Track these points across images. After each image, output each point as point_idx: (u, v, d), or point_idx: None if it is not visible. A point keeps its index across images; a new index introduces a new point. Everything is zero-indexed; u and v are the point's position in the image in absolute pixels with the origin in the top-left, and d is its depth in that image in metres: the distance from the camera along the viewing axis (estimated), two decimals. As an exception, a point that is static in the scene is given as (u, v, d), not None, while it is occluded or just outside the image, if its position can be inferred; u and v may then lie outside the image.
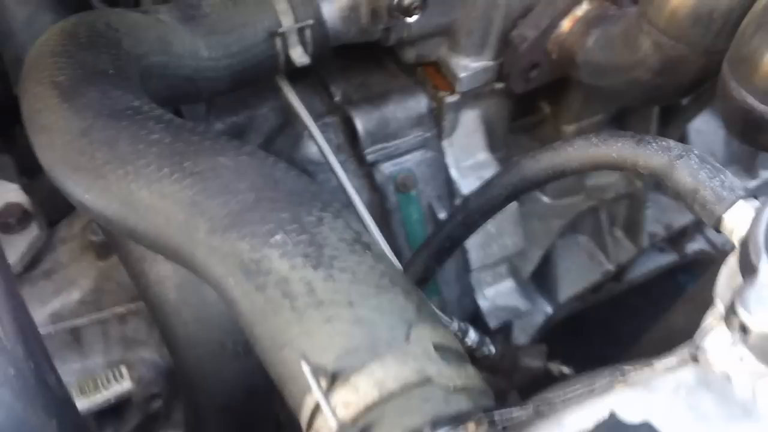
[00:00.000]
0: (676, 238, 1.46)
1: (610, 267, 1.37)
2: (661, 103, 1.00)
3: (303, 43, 0.84)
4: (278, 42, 0.83)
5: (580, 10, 0.90)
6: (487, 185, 0.61)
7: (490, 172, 1.04)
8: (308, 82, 1.03)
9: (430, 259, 0.67)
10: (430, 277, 0.68)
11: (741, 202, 0.48)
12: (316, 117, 1.01)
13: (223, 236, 0.45)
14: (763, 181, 1.49)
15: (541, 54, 0.93)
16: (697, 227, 1.46)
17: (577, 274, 1.35)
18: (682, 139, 1.30)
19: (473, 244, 1.07)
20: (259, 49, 0.82)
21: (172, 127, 0.54)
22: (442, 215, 1.03)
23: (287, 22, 0.82)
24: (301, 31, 0.83)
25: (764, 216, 0.43)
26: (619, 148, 0.53)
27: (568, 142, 0.56)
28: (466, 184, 1.03)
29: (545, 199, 1.27)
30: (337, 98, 1.02)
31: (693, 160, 0.50)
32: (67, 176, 0.55)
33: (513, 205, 1.09)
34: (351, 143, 1.02)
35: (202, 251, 0.46)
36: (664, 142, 0.52)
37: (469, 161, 1.04)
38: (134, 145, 0.53)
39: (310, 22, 0.83)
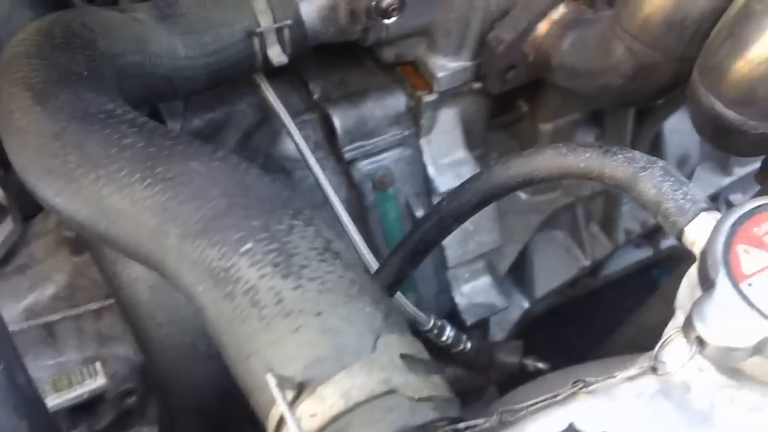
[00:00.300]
0: (651, 235, 1.48)
1: (587, 262, 1.38)
2: (634, 105, 1.01)
3: (281, 42, 0.84)
4: (256, 41, 0.83)
5: (557, 14, 0.91)
6: (459, 190, 0.61)
7: (467, 169, 1.05)
8: (287, 79, 1.04)
9: (403, 262, 0.68)
10: (404, 280, 0.69)
11: (703, 215, 0.49)
12: (295, 114, 1.01)
13: (193, 243, 0.46)
14: (737, 177, 1.51)
15: (518, 56, 0.94)
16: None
17: (554, 270, 1.37)
18: (657, 137, 1.31)
19: (450, 241, 1.08)
20: (237, 49, 0.82)
21: (145, 131, 0.54)
22: (419, 213, 1.03)
23: (265, 21, 0.82)
24: (279, 31, 0.83)
25: (722, 230, 0.44)
26: (586, 159, 0.53)
27: (538, 150, 0.57)
28: (444, 182, 1.04)
29: (522, 195, 1.28)
30: (316, 96, 1.02)
31: (657, 172, 0.51)
32: (39, 179, 0.55)
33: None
34: (329, 141, 1.02)
35: (172, 257, 0.47)
36: (630, 154, 0.53)
37: (447, 159, 1.05)
38: (106, 149, 0.53)
39: (289, 22, 0.83)
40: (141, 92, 0.75)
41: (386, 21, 0.80)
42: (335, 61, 1.04)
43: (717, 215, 0.49)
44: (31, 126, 0.56)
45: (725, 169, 1.49)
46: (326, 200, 0.95)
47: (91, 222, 0.52)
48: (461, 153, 1.06)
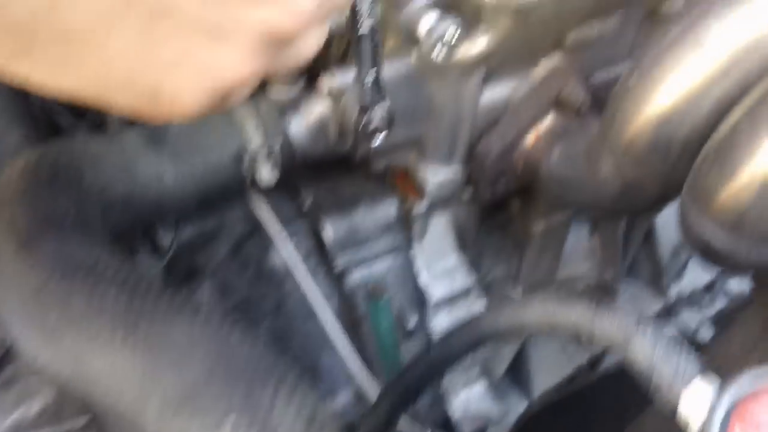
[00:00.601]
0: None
1: (583, 360, 1.37)
2: (626, 215, 1.01)
3: (270, 163, 0.85)
4: (245, 163, 0.83)
5: (544, 125, 0.91)
6: (449, 337, 0.61)
7: (460, 276, 1.04)
8: (278, 185, 1.04)
9: (393, 406, 0.66)
10: (395, 424, 0.67)
11: (696, 383, 0.48)
12: (286, 222, 1.01)
13: (173, 418, 0.44)
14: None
15: (508, 165, 0.94)
16: (668, 313, 1.47)
17: (551, 368, 1.34)
18: (650, 229, 1.31)
19: (444, 347, 1.06)
20: (227, 172, 0.83)
21: (127, 287, 0.53)
22: (412, 323, 1.02)
23: (255, 142, 0.83)
24: (268, 153, 0.84)
25: (718, 412, 0.42)
26: (577, 316, 0.53)
27: (529, 301, 0.57)
28: (437, 290, 1.03)
29: (516, 293, 1.27)
30: (307, 203, 1.02)
31: (648, 335, 0.50)
32: (21, 333, 0.54)
33: (481, 304, 1.09)
34: (321, 249, 1.02)
35: (153, 429, 0.46)
36: (620, 313, 0.52)
37: (440, 266, 1.04)
38: (87, 307, 0.52)
39: (278, 143, 0.83)
40: (129, 221, 0.75)
41: (374, 140, 0.81)
42: (326, 168, 1.04)
43: (711, 385, 0.47)
44: (14, 277, 0.55)
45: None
46: (315, 313, 0.94)
47: (74, 382, 0.50)
48: (454, 259, 1.05)
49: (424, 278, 1.03)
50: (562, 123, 0.90)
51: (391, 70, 0.84)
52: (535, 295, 0.56)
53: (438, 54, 0.76)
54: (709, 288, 1.49)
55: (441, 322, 1.05)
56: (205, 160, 0.81)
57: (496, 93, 0.91)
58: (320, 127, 0.87)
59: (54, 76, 0.41)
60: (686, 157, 0.72)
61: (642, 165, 0.75)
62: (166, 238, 0.99)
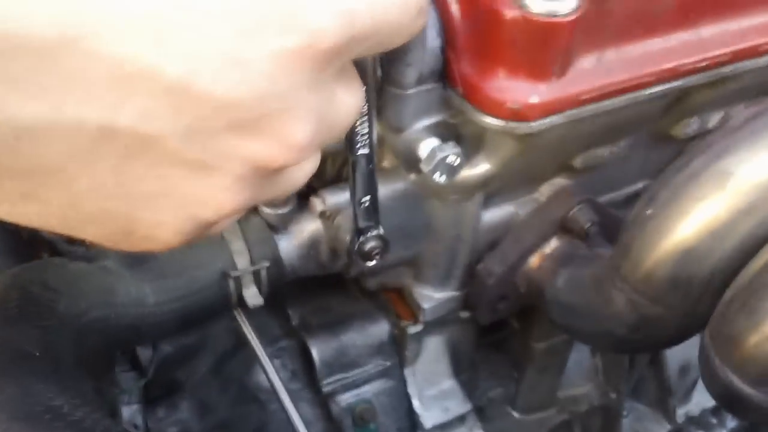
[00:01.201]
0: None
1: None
2: (638, 353, 0.95)
3: (257, 283, 0.79)
4: (231, 283, 0.78)
5: (549, 247, 0.87)
6: None
7: (455, 402, 0.98)
8: (265, 305, 0.98)
9: None
10: None
11: None
12: (272, 341, 0.95)
13: None
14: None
15: (509, 288, 0.89)
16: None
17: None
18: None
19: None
20: (211, 291, 0.77)
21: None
22: (403, 451, 0.95)
23: (242, 263, 0.78)
24: (256, 273, 0.78)
25: None
26: None
27: None
28: (430, 417, 0.97)
29: (515, 414, 1.20)
30: (295, 322, 0.97)
31: None
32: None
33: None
34: (307, 370, 0.95)
35: None
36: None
37: (433, 390, 0.98)
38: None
39: (266, 263, 0.78)
40: (104, 346, 0.70)
41: (368, 264, 0.75)
42: (316, 286, 0.99)
43: None
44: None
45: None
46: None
47: None
48: (448, 383, 0.99)
49: (417, 404, 0.97)
50: (568, 246, 0.86)
51: (387, 189, 0.80)
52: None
53: (438, 179, 0.71)
54: (718, 409, 1.42)
55: (435, 451, 0.98)
56: (189, 281, 0.76)
57: (497, 214, 0.87)
58: (311, 247, 0.82)
59: (17, 208, 0.37)
60: (709, 295, 0.67)
61: (660, 301, 0.69)
62: (145, 353, 0.93)
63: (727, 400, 0.65)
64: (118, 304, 0.70)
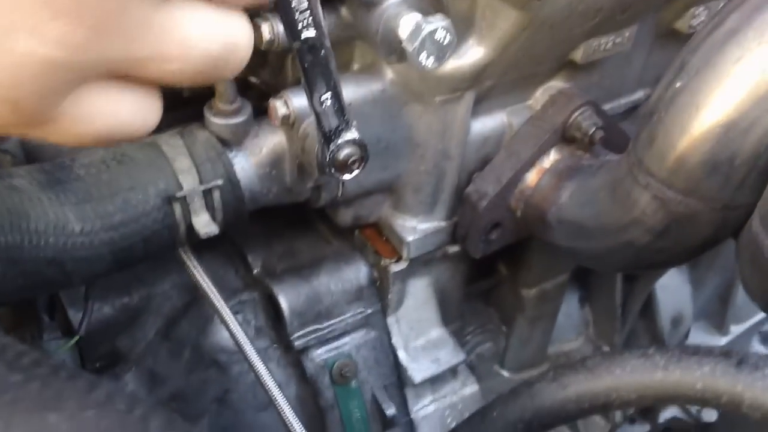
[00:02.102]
0: (647, 409, 1.29)
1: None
2: (661, 267, 0.84)
3: (210, 208, 0.66)
4: (177, 208, 0.64)
5: (548, 161, 0.75)
6: (482, 420, 0.41)
7: (446, 352, 0.85)
8: (220, 251, 0.84)
9: None
10: None
11: None
12: (230, 294, 0.81)
13: None
14: (734, 336, 1.36)
15: (503, 212, 0.77)
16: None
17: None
18: (649, 296, 1.15)
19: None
20: (151, 218, 0.63)
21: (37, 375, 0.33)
22: (390, 411, 0.82)
23: (189, 183, 0.64)
24: (207, 194, 0.65)
25: None
26: (707, 374, 0.34)
27: (613, 359, 0.38)
28: (419, 369, 0.84)
29: (504, 373, 1.09)
30: (256, 270, 0.83)
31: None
32: None
33: (473, 388, 0.90)
34: (274, 326, 0.82)
35: None
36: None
37: (420, 340, 0.85)
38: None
39: (219, 182, 0.64)
40: (19, 282, 0.55)
41: (346, 176, 0.62)
42: (279, 227, 0.86)
43: None
44: None
45: (721, 328, 1.34)
46: (271, 402, 0.73)
47: None
48: (437, 331, 0.87)
49: (403, 356, 0.84)
50: (570, 157, 0.74)
51: (360, 92, 0.68)
52: (619, 355, 0.38)
53: (425, 62, 0.59)
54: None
55: (426, 410, 0.86)
56: (123, 206, 0.61)
57: (488, 124, 0.75)
58: (273, 165, 0.69)
59: None
60: (753, 177, 0.56)
61: (695, 192, 0.58)
62: (75, 318, 0.78)
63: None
64: (32, 230, 0.56)
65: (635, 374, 0.37)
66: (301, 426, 0.70)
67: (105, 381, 0.35)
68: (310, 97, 0.53)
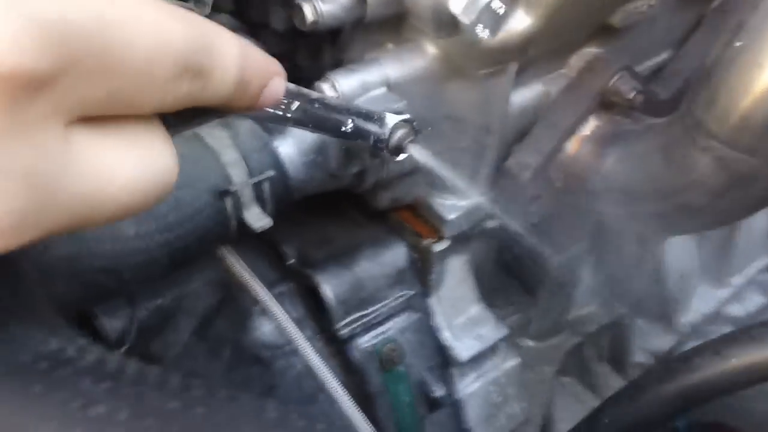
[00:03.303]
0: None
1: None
2: (710, 228, 0.84)
3: (260, 200, 0.63)
4: (229, 203, 0.61)
5: (588, 128, 0.74)
6: (631, 398, 0.40)
7: (488, 328, 0.85)
8: (248, 244, 0.82)
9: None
10: None
11: None
12: (266, 286, 0.79)
13: None
14: (735, 288, 1.38)
15: (544, 183, 0.76)
16: (677, 348, 1.32)
17: (571, 425, 1.16)
18: (657, 260, 1.16)
19: (475, 418, 0.86)
20: (204, 216, 0.60)
21: (123, 384, 0.31)
22: (440, 392, 0.81)
23: (239, 176, 0.61)
24: (257, 186, 0.62)
25: None
26: None
27: None
28: (465, 348, 0.83)
29: (529, 342, 1.09)
30: (292, 261, 0.80)
31: None
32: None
33: (514, 362, 0.90)
34: (314, 316, 0.80)
35: None
36: None
37: (461, 318, 0.84)
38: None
39: (271, 173, 0.62)
40: (77, 295, 0.52)
41: (399, 158, 0.60)
42: (307, 215, 0.83)
43: None
44: None
45: (722, 282, 1.35)
46: (318, 392, 0.72)
47: None
48: (476, 308, 0.86)
49: (447, 335, 0.83)
50: (614, 121, 0.73)
51: (402, 71, 0.66)
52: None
53: (481, 34, 0.57)
54: (715, 317, 1.36)
55: (471, 387, 0.85)
56: (177, 205, 0.59)
57: (527, 95, 0.74)
58: (318, 151, 0.66)
59: None
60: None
61: (760, 151, 0.58)
62: (111, 324, 0.75)
63: None
64: (89, 238, 0.53)
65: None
66: (355, 407, 0.68)
67: (263, 399, 0.33)
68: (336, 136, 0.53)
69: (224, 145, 0.62)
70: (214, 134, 0.62)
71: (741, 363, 0.39)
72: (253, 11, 0.64)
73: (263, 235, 0.82)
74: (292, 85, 0.51)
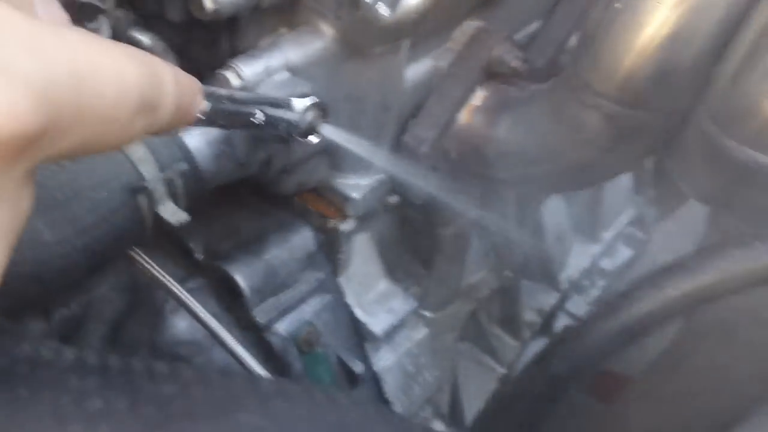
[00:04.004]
0: (544, 322, 1.39)
1: (503, 370, 1.25)
2: (599, 182, 0.89)
3: (173, 195, 0.62)
4: (143, 200, 0.60)
5: (477, 98, 0.78)
6: (578, 336, 0.43)
7: (398, 302, 0.88)
8: (154, 242, 0.80)
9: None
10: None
11: None
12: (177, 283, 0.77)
13: None
14: (607, 244, 1.48)
15: (440, 155, 0.79)
16: (559, 305, 1.40)
17: (476, 388, 1.21)
18: (536, 223, 1.23)
19: (394, 390, 0.88)
20: (120, 216, 0.59)
21: (112, 376, 0.31)
22: (358, 369, 0.83)
23: (149, 171, 0.60)
24: (170, 182, 0.61)
25: None
26: None
27: (712, 252, 0.41)
28: (378, 323, 0.85)
29: (427, 314, 1.13)
30: (198, 254, 0.79)
31: None
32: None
33: (423, 332, 0.93)
34: (229, 308, 0.79)
35: None
36: None
37: (371, 294, 0.87)
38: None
39: (185, 166, 0.61)
40: (4, 305, 0.50)
41: (312, 139, 0.61)
42: (210, 207, 0.82)
43: None
44: None
45: (594, 237, 1.45)
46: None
47: None
48: (384, 283, 0.88)
49: (360, 312, 0.85)
50: (500, 90, 0.77)
51: (302, 54, 0.67)
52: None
53: (383, 12, 0.59)
54: (589, 272, 1.45)
55: (386, 361, 0.88)
56: (92, 206, 0.57)
57: (419, 70, 0.77)
58: (225, 141, 0.66)
59: None
60: (694, 84, 0.62)
61: (643, 104, 0.63)
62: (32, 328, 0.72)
63: (736, 182, 0.61)
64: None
65: (738, 264, 0.41)
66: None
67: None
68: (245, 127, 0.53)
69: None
70: (118, 131, 0.61)
71: (676, 292, 0.43)
72: (147, 2, 0.62)
73: (168, 232, 0.81)
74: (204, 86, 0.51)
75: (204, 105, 0.38)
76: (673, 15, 0.59)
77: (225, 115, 0.51)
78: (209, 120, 0.50)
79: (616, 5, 0.61)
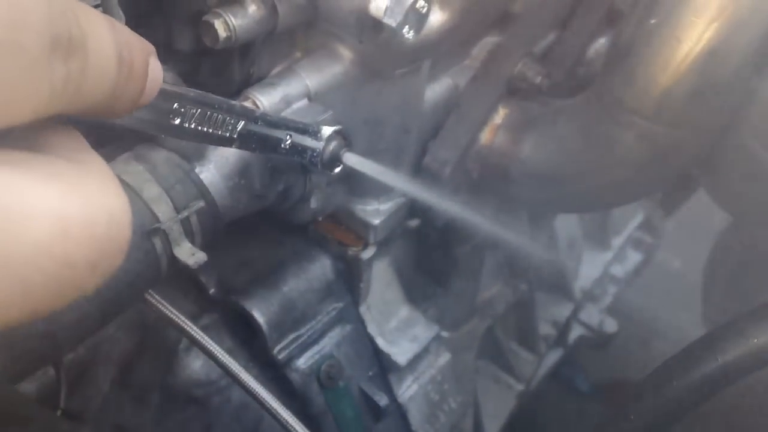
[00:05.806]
0: (560, 334, 1.36)
1: (521, 386, 1.22)
2: (632, 201, 0.86)
3: (189, 234, 0.59)
4: (157, 242, 0.56)
5: (499, 117, 0.74)
6: (655, 391, 0.40)
7: (420, 329, 0.84)
8: (163, 279, 0.76)
9: None
10: None
11: None
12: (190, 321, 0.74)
13: None
14: (616, 249, 1.45)
15: (462, 176, 0.76)
16: (573, 315, 1.37)
17: (495, 407, 1.18)
18: (549, 232, 1.20)
19: (419, 422, 0.85)
20: (133, 260, 0.55)
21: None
22: (383, 401, 0.79)
23: (164, 212, 0.56)
24: (186, 221, 0.58)
25: None
26: None
27: None
28: (401, 352, 0.82)
29: (444, 334, 1.09)
30: (213, 290, 0.76)
31: None
32: None
33: (445, 357, 0.90)
34: (245, 343, 0.76)
35: None
36: None
37: (393, 322, 0.83)
38: None
39: (201, 203, 0.58)
40: (17, 368, 0.46)
41: (336, 170, 0.58)
42: (223, 239, 0.79)
43: None
44: None
45: (604, 244, 1.42)
46: (260, 420, 0.69)
47: None
48: (405, 309, 0.85)
49: (382, 342, 0.81)
50: (523, 107, 0.74)
51: (322, 79, 0.63)
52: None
53: (407, 35, 0.55)
54: (601, 280, 1.43)
55: (410, 390, 0.84)
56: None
57: (437, 90, 0.73)
58: (241, 174, 0.62)
59: None
60: (734, 99, 0.59)
61: (682, 123, 0.60)
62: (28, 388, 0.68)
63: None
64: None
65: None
66: (301, 426, 0.65)
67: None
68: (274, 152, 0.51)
69: (143, 179, 0.57)
70: (129, 169, 0.57)
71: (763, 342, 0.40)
72: (155, 32, 0.59)
73: (179, 268, 0.77)
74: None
75: (161, 73, 0.31)
76: (710, 30, 0.56)
77: (258, 138, 0.49)
78: (242, 141, 0.48)
79: (652, 21, 0.58)
